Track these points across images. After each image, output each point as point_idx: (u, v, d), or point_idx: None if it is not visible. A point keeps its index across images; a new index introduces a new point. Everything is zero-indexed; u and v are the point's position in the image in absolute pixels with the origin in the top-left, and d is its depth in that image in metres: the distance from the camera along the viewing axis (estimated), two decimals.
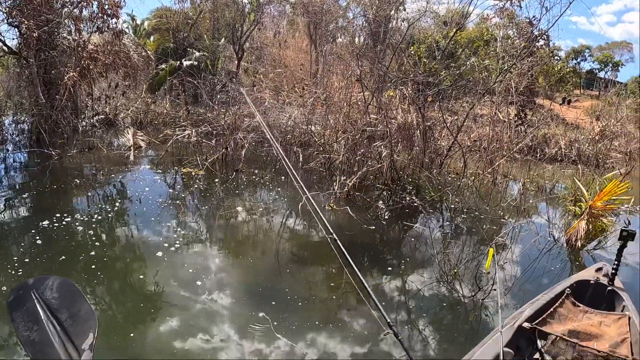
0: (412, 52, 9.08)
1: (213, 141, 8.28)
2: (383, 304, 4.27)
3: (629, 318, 3.25)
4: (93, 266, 4.13)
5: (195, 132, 8.51)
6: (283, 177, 7.52)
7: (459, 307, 4.41)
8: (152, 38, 20.91)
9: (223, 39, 17.83)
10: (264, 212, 6.01)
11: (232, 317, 3.64)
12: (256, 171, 7.74)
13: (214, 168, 7.26)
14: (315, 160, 7.80)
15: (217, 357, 3.17)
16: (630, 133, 16.15)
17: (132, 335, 3.28)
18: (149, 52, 15.36)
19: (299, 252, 5.06)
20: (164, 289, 3.88)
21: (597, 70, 35.41)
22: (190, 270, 4.24)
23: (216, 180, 6.85)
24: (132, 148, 8.45)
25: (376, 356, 3.51)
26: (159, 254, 4.45)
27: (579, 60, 34.93)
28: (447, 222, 6.80)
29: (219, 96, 12.15)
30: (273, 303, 3.85)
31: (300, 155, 7.92)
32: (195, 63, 15.55)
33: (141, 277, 4.08)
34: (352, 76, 8.60)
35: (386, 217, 6.40)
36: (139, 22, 22.79)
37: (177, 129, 8.96)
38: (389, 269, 5.02)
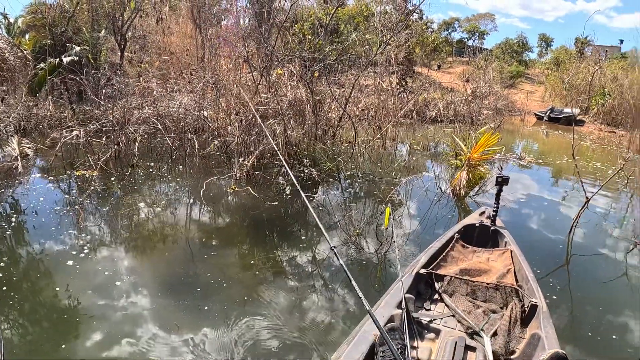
0: (297, 30, 8.97)
1: (104, 139, 7.57)
2: (298, 270, 4.33)
3: (511, 251, 3.63)
4: None
5: (84, 131, 7.72)
6: (181, 167, 7.14)
7: (367, 263, 4.59)
8: (27, 36, 18.48)
9: (103, 30, 16.31)
10: (167, 205, 5.66)
11: (157, 314, 3.42)
12: (152, 164, 7.25)
13: (108, 167, 6.64)
14: (211, 145, 7.49)
15: (147, 357, 2.96)
16: (497, 92, 17.75)
17: (54, 356, 2.93)
18: (25, 51, 13.57)
19: (210, 237, 4.86)
20: (81, 300, 3.52)
21: (466, 40, 38.19)
22: (106, 273, 3.89)
23: (112, 179, 6.28)
24: (18, 158, 7.44)
25: (304, 314, 3.57)
26: (69, 262, 4.01)
27: (449, 31, 37.36)
28: (346, 188, 6.95)
29: (104, 91, 11.14)
30: (198, 289, 3.73)
31: (196, 142, 7.55)
32: (77, 58, 14.05)
33: (55, 290, 3.64)
34: (240, 58, 8.34)
35: (288, 191, 6.37)
36: (12, 20, 19.96)
37: (64, 130, 8.07)
38: (299, 240, 5.04)
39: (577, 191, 7.92)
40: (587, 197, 5.69)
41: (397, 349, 2.10)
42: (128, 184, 6.14)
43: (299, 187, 2.87)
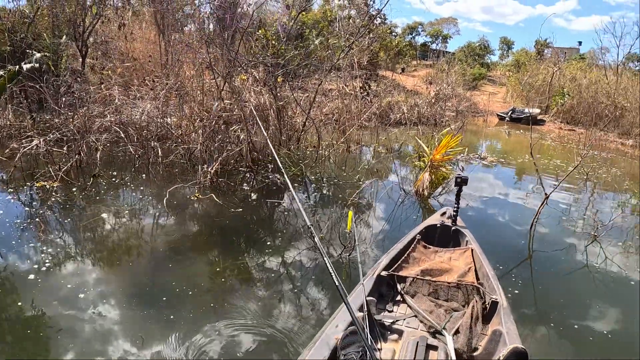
0: (261, 35, 8.93)
1: (64, 148, 7.31)
2: (265, 275, 4.30)
3: (472, 250, 3.69)
4: None
5: (44, 141, 7.43)
6: (144, 175, 6.98)
7: (334, 266, 4.57)
8: None
9: (64, 37, 15.80)
10: (130, 214, 5.53)
11: (124, 325, 3.34)
12: (115, 173, 7.06)
13: (69, 177, 6.41)
14: (175, 153, 7.37)
15: None
16: (460, 94, 18.16)
17: None
18: None
19: (175, 246, 4.77)
20: (46, 314, 3.39)
21: (429, 43, 38.98)
22: (69, 286, 3.76)
23: (74, 189, 6.07)
24: None
25: (272, 318, 3.57)
26: (31, 277, 3.86)
27: (413, 35, 38.09)
28: (312, 193, 6.96)
29: (64, 99, 10.78)
30: (164, 299, 3.65)
31: (159, 150, 7.40)
32: (37, 65, 13.52)
33: (18, 305, 3.49)
34: (203, 63, 8.24)
35: (253, 197, 6.33)
36: None
37: (23, 140, 7.75)
38: (265, 246, 5.00)
39: (538, 188, 8.18)
40: (546, 194, 5.90)
41: (359, 351, 2.12)
42: (90, 195, 5.96)
43: (287, 180, 2.83)
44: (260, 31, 9.10)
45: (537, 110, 19.31)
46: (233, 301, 3.75)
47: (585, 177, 7.37)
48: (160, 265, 4.31)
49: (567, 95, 18.90)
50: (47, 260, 4.17)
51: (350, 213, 4.01)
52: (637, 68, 27.39)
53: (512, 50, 37.73)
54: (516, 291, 4.33)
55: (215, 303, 3.69)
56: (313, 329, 3.45)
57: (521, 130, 16.19)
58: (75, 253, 4.49)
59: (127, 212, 5.59)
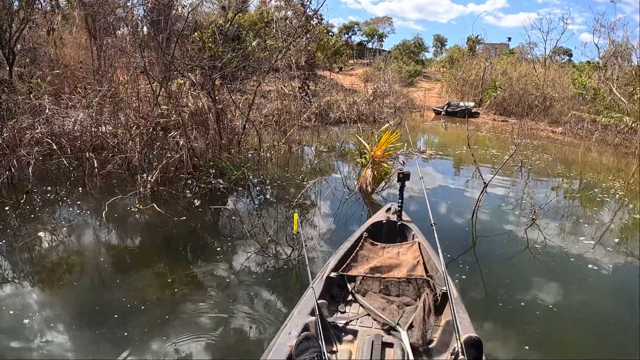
0: (197, 37, 8.69)
1: None
2: (216, 282, 4.21)
3: (419, 243, 3.72)
4: None
5: None
6: (80, 189, 6.61)
7: (282, 269, 4.60)
8: None
9: None
10: (69, 231, 5.21)
11: (76, 348, 3.17)
12: (49, 188, 6.62)
13: (0, 195, 5.96)
14: (112, 163, 7.02)
15: None
16: (397, 91, 18.60)
17: None
18: None
19: (120, 260, 4.58)
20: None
21: (366, 42, 39.58)
22: (11, 312, 3.50)
23: (6, 208, 5.64)
24: None
25: (227, 324, 3.53)
26: None
27: (350, 34, 38.56)
28: (256, 196, 6.89)
29: None
30: (115, 316, 3.49)
31: (95, 161, 7.02)
32: None
33: None
34: (137, 68, 7.91)
35: (196, 204, 6.17)
36: None
37: None
38: (213, 252, 4.91)
39: (477, 178, 8.54)
40: (484, 182, 6.15)
41: (314, 357, 2.08)
42: (25, 213, 5.56)
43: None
44: (196, 33, 8.86)
45: (472, 104, 20.15)
46: (186, 312, 3.67)
47: (520, 164, 7.81)
48: (106, 282, 4.12)
49: (499, 89, 19.84)
50: None
51: (296, 215, 3.98)
52: (564, 60, 29.29)
53: (446, 47, 39.20)
54: (464, 276, 4.52)
55: (168, 315, 3.58)
56: (267, 332, 3.45)
57: (457, 124, 16.80)
58: (14, 277, 4.18)
59: (65, 229, 5.27)
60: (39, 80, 12.47)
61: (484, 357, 2.13)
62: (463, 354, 2.05)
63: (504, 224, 6.16)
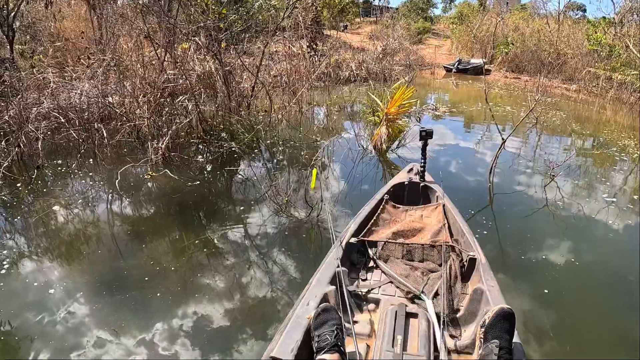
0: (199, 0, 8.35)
1: (2, 142, 6.65)
2: (232, 246, 4.13)
3: (444, 206, 3.48)
4: None
5: None
6: (91, 160, 6.50)
7: (299, 232, 4.45)
8: None
9: None
10: (83, 203, 5.11)
11: (99, 317, 3.12)
12: (60, 162, 6.52)
13: (12, 172, 5.84)
14: (121, 132, 6.88)
15: None
16: (407, 48, 18.03)
17: None
18: None
19: (135, 229, 4.47)
20: (15, 320, 3.08)
21: (372, 0, 38.26)
22: (35, 284, 3.46)
23: (18, 184, 5.55)
24: None
25: (245, 288, 3.47)
26: None
27: None
28: (269, 158, 6.73)
29: None
30: (134, 285, 3.46)
31: (104, 132, 6.88)
32: None
33: None
34: (140, 35, 7.64)
35: (209, 169, 6.04)
36: None
37: None
38: (228, 217, 4.79)
39: (491, 135, 8.29)
40: (503, 139, 5.89)
41: (333, 330, 1.91)
42: (37, 188, 5.47)
43: None
44: None
45: (483, 61, 19.53)
46: (204, 277, 3.59)
47: (535, 121, 7.58)
48: (123, 251, 4.04)
49: (511, 45, 19.14)
50: (4, 263, 3.80)
51: (315, 170, 3.83)
52: (578, 16, 28.03)
53: (455, 2, 37.73)
54: (484, 231, 4.40)
55: (186, 281, 3.51)
56: (284, 296, 3.35)
57: (469, 81, 16.37)
58: (32, 252, 4.12)
59: (79, 201, 5.18)
60: (41, 55, 12.27)
61: (515, 331, 1.93)
62: (494, 327, 1.87)
63: (521, 181, 5.96)
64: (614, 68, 13.71)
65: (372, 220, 3.29)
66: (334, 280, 2.44)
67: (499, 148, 5.87)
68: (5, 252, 4.01)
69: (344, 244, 2.88)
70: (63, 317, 3.11)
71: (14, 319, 3.11)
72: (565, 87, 15.32)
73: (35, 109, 7.72)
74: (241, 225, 4.56)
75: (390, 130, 7.14)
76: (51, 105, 7.62)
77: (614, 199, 5.42)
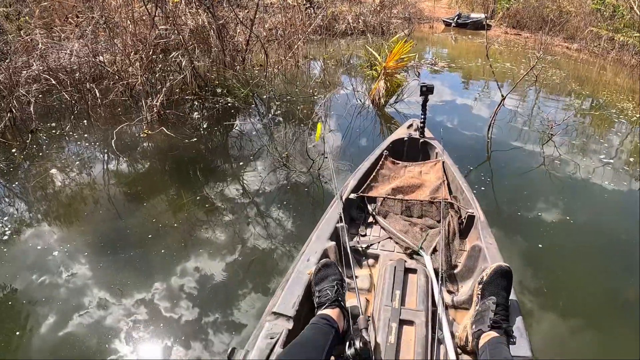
0: None
1: None
2: (229, 205, 4.10)
3: (443, 162, 3.44)
4: None
5: None
6: (85, 121, 6.37)
7: (300, 185, 4.43)
8: None
9: None
10: (80, 164, 5.05)
11: (100, 279, 3.13)
12: (54, 124, 6.39)
13: (5, 138, 5.74)
14: (114, 91, 6.72)
15: (104, 324, 2.74)
16: (406, 0, 17.45)
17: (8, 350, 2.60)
18: None
19: (134, 188, 4.45)
20: (18, 285, 3.09)
21: None
22: (38, 248, 3.46)
23: (13, 150, 5.46)
24: None
25: (245, 244, 3.46)
26: None
27: None
28: (265, 113, 6.62)
29: None
30: (134, 245, 3.46)
31: (96, 91, 6.72)
32: None
33: None
34: None
35: (205, 125, 5.94)
36: None
37: None
38: (226, 172, 4.75)
39: (488, 92, 8.18)
40: (502, 95, 5.80)
41: (334, 285, 1.91)
42: (32, 153, 5.38)
43: None
44: None
45: (483, 15, 18.96)
46: (203, 234, 3.60)
47: (534, 79, 7.42)
48: (122, 211, 4.02)
49: (512, 0, 18.54)
50: (5, 230, 3.78)
51: (320, 124, 3.80)
52: None
53: None
54: (482, 187, 4.40)
55: (186, 239, 3.52)
56: (286, 249, 3.35)
57: (468, 36, 15.97)
58: (31, 217, 4.08)
59: (76, 163, 5.11)
60: (27, 17, 11.87)
61: (512, 290, 1.93)
62: (491, 284, 1.87)
63: (518, 139, 5.91)
64: (617, 29, 13.33)
65: (372, 176, 3.29)
66: (334, 235, 2.44)
67: (499, 104, 5.80)
68: (5, 218, 3.99)
69: (343, 199, 2.87)
70: (66, 279, 3.12)
71: (18, 282, 3.12)
72: (567, 45, 14.96)
73: (25, 72, 7.52)
74: (240, 181, 4.53)
75: (388, 84, 7.01)
76: (41, 68, 7.42)
77: (611, 160, 5.41)
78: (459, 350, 1.90)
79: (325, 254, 2.29)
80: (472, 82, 9.21)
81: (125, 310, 2.85)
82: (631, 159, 5.56)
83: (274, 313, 1.84)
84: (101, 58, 7.77)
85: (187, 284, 3.06)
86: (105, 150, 5.35)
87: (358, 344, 1.63)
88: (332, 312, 1.80)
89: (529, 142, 5.80)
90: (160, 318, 2.80)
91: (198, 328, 2.72)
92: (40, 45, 8.35)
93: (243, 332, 2.68)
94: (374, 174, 3.32)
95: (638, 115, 7.25)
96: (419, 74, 9.05)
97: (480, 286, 1.90)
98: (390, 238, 2.73)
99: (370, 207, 3.01)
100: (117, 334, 2.69)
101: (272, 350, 1.65)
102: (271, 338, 1.70)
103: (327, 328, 1.69)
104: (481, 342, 1.71)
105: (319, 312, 1.83)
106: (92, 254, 3.41)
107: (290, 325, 1.78)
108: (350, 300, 2.00)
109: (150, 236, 3.57)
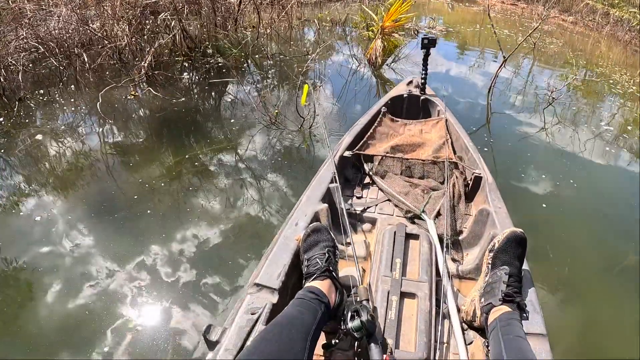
0: None
1: None
2: (220, 164, 3.96)
3: (446, 120, 3.18)
4: None
5: None
6: (73, 87, 6.20)
7: (292, 145, 4.30)
8: None
9: None
10: (67, 129, 4.90)
11: (101, 246, 3.01)
12: (42, 91, 6.22)
13: None
14: (103, 56, 6.51)
15: (113, 294, 2.63)
16: None
17: (18, 318, 2.51)
18: None
19: (123, 151, 4.30)
20: (22, 256, 2.96)
21: None
22: (37, 219, 3.32)
23: (1, 119, 5.30)
24: None
25: (238, 205, 3.38)
26: None
27: None
28: (257, 73, 6.43)
29: None
30: (130, 209, 3.36)
31: (85, 56, 6.51)
32: None
33: None
34: None
35: (194, 86, 5.79)
36: None
37: None
38: (216, 133, 4.60)
39: (485, 58, 8.06)
40: (504, 57, 5.69)
41: (324, 253, 1.65)
42: (20, 121, 5.20)
43: None
44: None
45: None
46: (196, 198, 3.48)
47: (532, 46, 7.26)
48: (115, 176, 3.87)
49: None
50: (1, 200, 3.64)
51: (307, 86, 3.60)
52: None
53: None
54: (485, 148, 4.31)
55: (179, 203, 3.41)
56: (276, 212, 3.24)
57: (465, 4, 15.77)
58: (27, 185, 3.91)
59: (62, 128, 4.95)
60: None
61: (525, 259, 1.70)
62: (504, 252, 1.64)
63: (517, 104, 5.81)
64: (613, 4, 12.94)
65: (369, 134, 3.02)
66: (327, 197, 2.19)
67: (500, 66, 5.69)
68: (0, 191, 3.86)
69: (337, 158, 2.60)
70: (68, 249, 3.01)
71: (22, 253, 3.00)
72: (562, 18, 14.67)
73: (14, 42, 7.31)
74: (230, 141, 4.38)
75: (385, 44, 6.81)
76: (29, 36, 7.21)
77: (611, 127, 5.38)
78: (465, 326, 1.69)
79: (316, 218, 2.03)
80: (470, 48, 9.04)
81: (128, 275, 2.75)
82: (629, 127, 5.50)
83: (257, 284, 1.60)
84: (91, 25, 7.54)
85: (187, 241, 2.97)
86: (92, 114, 5.18)
87: (366, 315, 1.39)
88: (322, 284, 1.55)
89: (528, 106, 5.70)
90: (150, 280, 2.70)
91: (185, 291, 2.60)
92: (28, 12, 8.12)
93: (228, 300, 2.53)
94: (371, 131, 3.04)
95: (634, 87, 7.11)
96: (417, 32, 8.91)
97: (492, 254, 1.67)
98: (389, 200, 2.49)
99: (366, 167, 2.75)
100: (105, 295, 2.59)
101: (252, 327, 1.42)
102: (252, 314, 1.47)
103: (315, 303, 1.44)
104: (491, 317, 1.52)
105: (307, 284, 1.58)
106: (95, 215, 3.30)
107: (274, 298, 1.55)
108: (344, 270, 1.80)
109: (135, 197, 3.45)
